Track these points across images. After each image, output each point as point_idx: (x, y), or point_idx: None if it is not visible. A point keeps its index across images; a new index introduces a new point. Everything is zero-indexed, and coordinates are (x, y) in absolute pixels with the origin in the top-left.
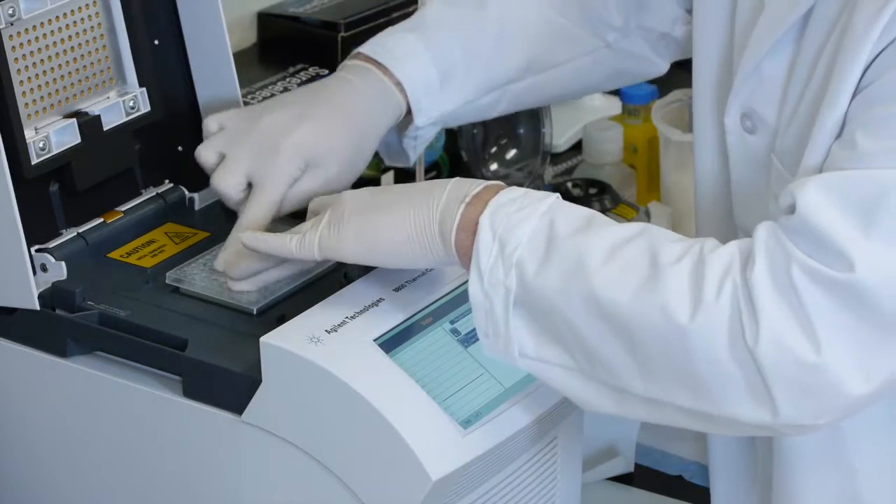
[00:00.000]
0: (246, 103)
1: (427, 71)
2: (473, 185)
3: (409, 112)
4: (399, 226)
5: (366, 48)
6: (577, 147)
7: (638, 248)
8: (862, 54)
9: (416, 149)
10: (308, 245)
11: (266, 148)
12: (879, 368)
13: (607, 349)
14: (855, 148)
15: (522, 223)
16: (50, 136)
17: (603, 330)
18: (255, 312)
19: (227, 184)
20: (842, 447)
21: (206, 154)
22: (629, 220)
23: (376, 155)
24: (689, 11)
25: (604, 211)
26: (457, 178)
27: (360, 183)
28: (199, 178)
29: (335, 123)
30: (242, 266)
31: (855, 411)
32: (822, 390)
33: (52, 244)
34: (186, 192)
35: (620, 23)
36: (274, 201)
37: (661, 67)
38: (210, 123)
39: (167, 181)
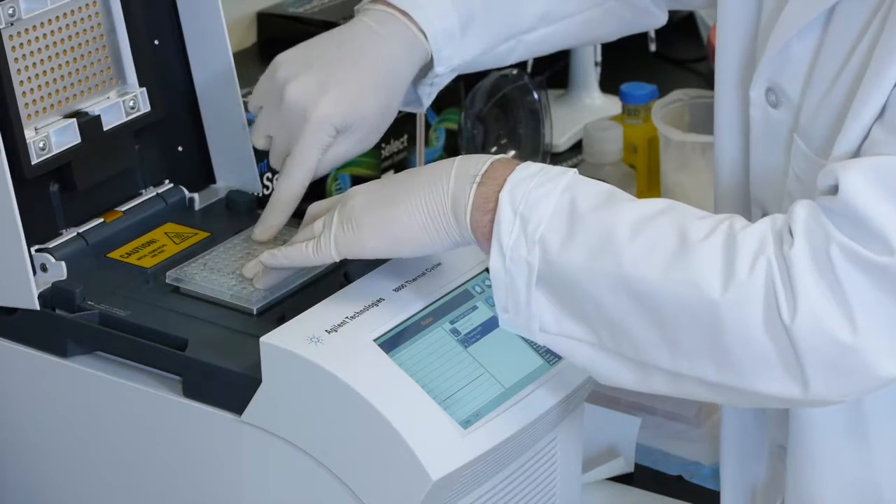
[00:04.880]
0: (246, 104)
1: (448, 18)
2: (480, 163)
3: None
4: (413, 215)
5: None
6: (577, 147)
7: (665, 224)
8: None
9: (431, 95)
10: (325, 248)
11: (295, 121)
12: None
13: (634, 325)
14: None
15: (543, 199)
16: (50, 136)
17: (630, 306)
18: (255, 312)
19: (277, 164)
20: (859, 418)
21: (257, 142)
22: None
23: (373, 154)
24: None
25: None
26: (460, 157)
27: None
28: (199, 178)
29: (363, 86)
30: (270, 279)
31: (882, 388)
32: (856, 370)
33: (52, 244)
34: (186, 192)
35: None
36: (307, 171)
37: (662, 18)
38: (252, 108)
39: (167, 181)
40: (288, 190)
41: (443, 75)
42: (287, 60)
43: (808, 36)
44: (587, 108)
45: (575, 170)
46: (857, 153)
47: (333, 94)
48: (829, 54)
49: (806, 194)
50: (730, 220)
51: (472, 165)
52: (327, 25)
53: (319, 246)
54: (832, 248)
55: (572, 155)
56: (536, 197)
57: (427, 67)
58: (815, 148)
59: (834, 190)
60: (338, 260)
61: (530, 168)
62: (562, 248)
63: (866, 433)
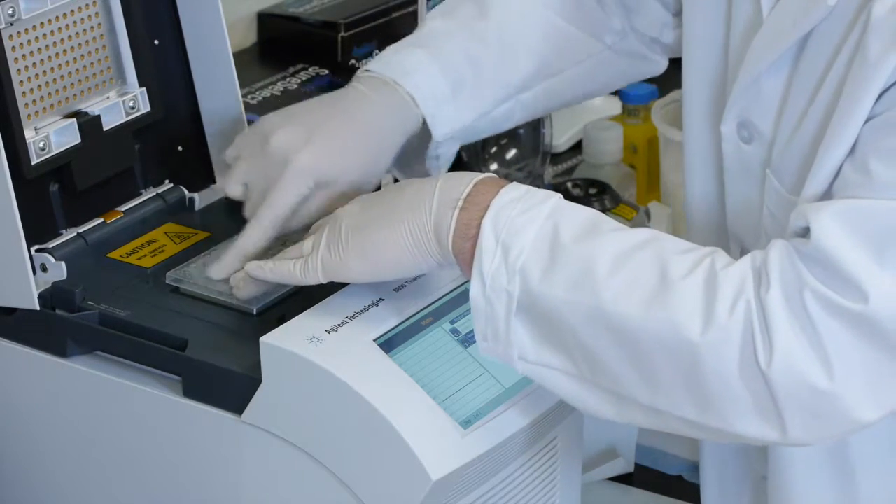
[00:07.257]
0: (246, 104)
1: (436, 82)
2: (463, 185)
3: (426, 131)
4: (396, 240)
5: (373, 66)
6: (577, 147)
7: (646, 259)
8: (877, 82)
9: (441, 169)
10: (312, 270)
11: (276, 167)
12: (890, 396)
13: (613, 359)
14: (869, 175)
15: (525, 227)
16: (50, 136)
17: (609, 341)
18: (255, 312)
19: (252, 214)
20: (843, 450)
21: (231, 190)
22: (629, 220)
23: None
24: (678, 16)
25: (604, 211)
26: (445, 176)
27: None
28: (199, 178)
29: (348, 142)
30: (251, 289)
31: (861, 431)
32: (833, 415)
33: (52, 244)
34: (186, 192)
35: (619, 26)
36: (278, 219)
37: (662, 65)
38: (228, 157)
39: (167, 181)
40: (255, 236)
41: (445, 144)
42: (273, 115)
43: (779, 70)
44: (587, 108)
45: (559, 195)
46: (828, 191)
47: (318, 146)
48: (799, 88)
49: (780, 231)
50: (711, 257)
51: (455, 188)
52: (327, 25)
53: (307, 268)
54: (806, 293)
55: (572, 155)
56: (519, 224)
57: (427, 137)
58: (787, 185)
59: (805, 232)
60: (324, 282)
61: (514, 192)
62: (542, 278)
63: (850, 466)
